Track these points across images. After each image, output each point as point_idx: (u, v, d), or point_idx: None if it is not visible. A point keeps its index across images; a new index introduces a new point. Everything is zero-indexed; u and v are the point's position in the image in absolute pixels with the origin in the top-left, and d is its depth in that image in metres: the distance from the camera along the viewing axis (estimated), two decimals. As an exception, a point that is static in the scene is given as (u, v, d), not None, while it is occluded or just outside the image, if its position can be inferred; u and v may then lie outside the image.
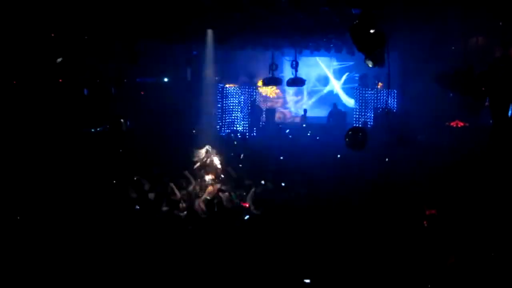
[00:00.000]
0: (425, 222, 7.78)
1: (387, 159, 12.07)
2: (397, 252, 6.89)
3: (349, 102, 20.51)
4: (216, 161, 10.78)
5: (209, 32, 13.90)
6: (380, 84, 18.11)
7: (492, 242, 6.78)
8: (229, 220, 8.41)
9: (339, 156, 12.99)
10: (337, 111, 19.20)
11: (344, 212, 8.38)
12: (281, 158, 13.58)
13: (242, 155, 13.01)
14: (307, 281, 6.35)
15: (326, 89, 21.29)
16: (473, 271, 6.22)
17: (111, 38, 13.02)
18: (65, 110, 12.08)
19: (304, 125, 19.41)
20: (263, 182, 10.52)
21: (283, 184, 10.51)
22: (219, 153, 11.04)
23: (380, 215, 8.06)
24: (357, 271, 6.53)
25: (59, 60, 11.60)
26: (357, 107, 18.95)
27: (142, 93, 16.51)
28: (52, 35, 11.43)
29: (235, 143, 16.23)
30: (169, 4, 9.56)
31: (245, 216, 8.81)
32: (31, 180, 9.38)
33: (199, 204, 9.48)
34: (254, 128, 19.12)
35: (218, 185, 10.22)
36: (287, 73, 18.11)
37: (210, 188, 10.07)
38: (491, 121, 11.36)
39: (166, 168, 11.24)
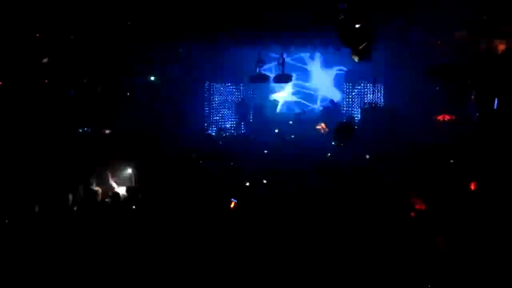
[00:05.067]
0: (412, 214, 7.84)
1: (367, 156, 12.13)
2: (386, 245, 6.93)
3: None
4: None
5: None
6: None
7: (482, 234, 6.85)
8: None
9: (329, 154, 13.03)
10: (333, 107, 19.10)
11: (329, 206, 8.40)
12: (265, 151, 13.67)
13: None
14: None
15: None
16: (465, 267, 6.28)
17: (99, 38, 12.94)
18: (51, 111, 11.99)
19: (290, 122, 19.35)
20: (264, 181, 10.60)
21: (264, 181, 10.54)
22: None
23: (367, 209, 8.10)
24: (348, 267, 6.55)
25: (44, 60, 11.51)
26: (344, 103, 19.00)
27: (128, 94, 16.41)
28: (37, 35, 11.35)
29: (220, 142, 16.30)
30: (156, 4, 9.54)
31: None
32: (21, 181, 9.29)
33: None
34: (242, 124, 19.10)
35: None
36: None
37: None
38: (476, 114, 11.49)
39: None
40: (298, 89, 21.00)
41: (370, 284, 6.24)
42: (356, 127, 14.41)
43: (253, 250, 6.95)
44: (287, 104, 21.27)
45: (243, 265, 6.60)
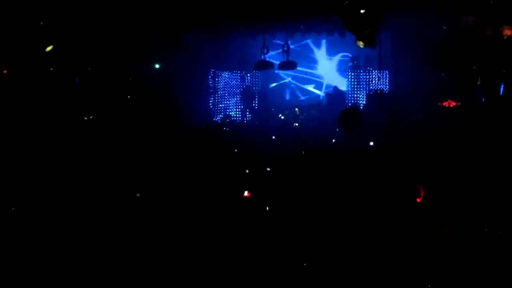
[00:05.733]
0: (418, 200, 7.82)
1: (371, 143, 12.09)
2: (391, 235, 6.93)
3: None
4: None
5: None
6: None
7: (486, 218, 6.83)
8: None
9: (334, 140, 12.99)
10: (336, 93, 19.00)
11: (333, 192, 8.40)
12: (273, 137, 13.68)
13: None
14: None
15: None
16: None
17: (103, 27, 12.91)
18: (56, 99, 12.00)
19: (296, 109, 19.33)
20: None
21: (268, 169, 10.52)
22: None
23: (372, 196, 8.09)
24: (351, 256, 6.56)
25: (49, 48, 11.51)
26: (350, 89, 18.93)
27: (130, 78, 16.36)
28: (41, 23, 11.34)
29: (227, 129, 16.31)
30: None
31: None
32: (23, 173, 9.28)
33: None
34: (247, 110, 19.08)
35: None
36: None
37: None
38: (483, 100, 11.41)
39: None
40: (303, 75, 20.99)
41: (374, 278, 6.25)
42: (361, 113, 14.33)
43: (258, 243, 6.97)
44: (291, 91, 21.29)
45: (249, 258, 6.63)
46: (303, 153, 11.55)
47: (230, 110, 19.15)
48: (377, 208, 7.61)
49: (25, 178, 9.08)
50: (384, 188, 8.23)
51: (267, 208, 7.96)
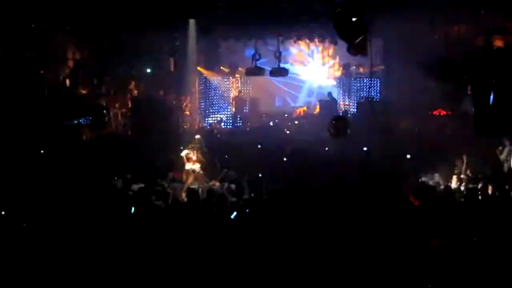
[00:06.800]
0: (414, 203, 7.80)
1: (365, 148, 12.10)
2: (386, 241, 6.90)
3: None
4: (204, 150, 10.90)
5: (192, 22, 13.79)
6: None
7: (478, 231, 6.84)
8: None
9: (326, 148, 12.95)
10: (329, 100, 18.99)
11: (326, 201, 8.35)
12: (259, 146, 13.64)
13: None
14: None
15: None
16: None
17: (94, 29, 12.88)
18: (46, 102, 11.92)
19: (286, 115, 19.30)
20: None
21: (259, 175, 10.47)
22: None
23: (364, 204, 8.06)
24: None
25: None
26: (341, 96, 18.97)
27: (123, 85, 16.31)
28: (32, 26, 11.30)
29: (219, 135, 16.28)
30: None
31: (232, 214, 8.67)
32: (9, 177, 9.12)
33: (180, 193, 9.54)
34: (238, 117, 19.03)
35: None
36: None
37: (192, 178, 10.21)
38: (473, 109, 11.45)
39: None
40: (294, 82, 20.96)
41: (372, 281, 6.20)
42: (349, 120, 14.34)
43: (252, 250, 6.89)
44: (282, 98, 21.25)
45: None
46: (284, 159, 11.52)
47: (221, 115, 19.14)
48: (368, 217, 7.59)
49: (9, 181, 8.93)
50: (376, 198, 8.22)
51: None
